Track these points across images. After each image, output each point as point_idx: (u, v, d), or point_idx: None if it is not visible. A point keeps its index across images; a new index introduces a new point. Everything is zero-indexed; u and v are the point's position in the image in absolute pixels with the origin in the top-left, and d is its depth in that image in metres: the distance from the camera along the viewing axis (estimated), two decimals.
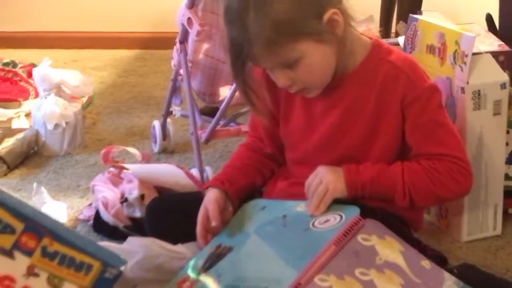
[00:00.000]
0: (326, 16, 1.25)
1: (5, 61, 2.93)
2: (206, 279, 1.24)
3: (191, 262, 1.30)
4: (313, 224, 1.24)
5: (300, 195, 1.33)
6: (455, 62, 1.59)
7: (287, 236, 1.26)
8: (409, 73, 1.32)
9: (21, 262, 0.76)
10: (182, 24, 1.99)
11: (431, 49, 1.67)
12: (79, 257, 0.77)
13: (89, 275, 0.77)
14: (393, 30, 2.91)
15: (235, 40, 1.25)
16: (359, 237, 1.20)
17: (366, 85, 1.33)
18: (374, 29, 2.56)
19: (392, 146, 1.36)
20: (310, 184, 1.31)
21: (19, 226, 0.77)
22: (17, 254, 0.76)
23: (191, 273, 1.27)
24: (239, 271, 1.21)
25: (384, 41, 1.41)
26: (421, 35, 1.70)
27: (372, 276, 1.14)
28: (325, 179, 1.29)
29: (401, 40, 1.88)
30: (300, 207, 1.31)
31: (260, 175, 1.47)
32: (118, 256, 0.79)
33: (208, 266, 1.26)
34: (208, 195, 1.40)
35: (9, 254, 0.76)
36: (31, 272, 0.76)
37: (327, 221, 1.24)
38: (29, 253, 0.76)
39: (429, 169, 1.31)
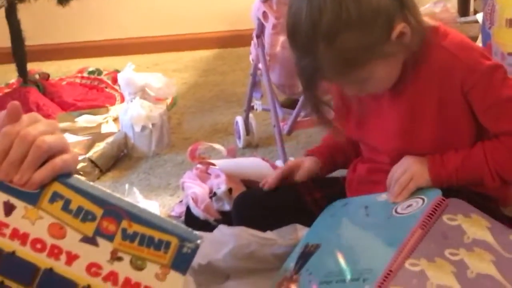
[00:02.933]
0: (394, 35, 1.22)
1: (90, 69, 3.04)
2: (299, 280, 1.24)
3: (284, 265, 1.31)
4: (395, 211, 1.24)
5: (380, 183, 1.33)
6: None
7: (371, 226, 1.26)
8: (464, 58, 1.27)
9: (104, 247, 0.78)
10: (258, 18, 2.02)
11: (510, 23, 1.63)
12: (157, 235, 0.78)
13: (168, 252, 0.77)
14: (472, 8, 2.85)
15: (306, 68, 1.26)
16: (445, 218, 1.18)
17: (425, 73, 1.30)
18: (451, 8, 2.52)
19: (467, 132, 1.33)
20: (394, 173, 1.30)
21: (98, 211, 0.78)
22: (100, 240, 0.78)
23: (285, 275, 1.28)
24: (330, 265, 1.21)
25: (441, 24, 1.35)
26: (499, 9, 1.67)
27: (462, 255, 1.13)
28: (410, 169, 1.28)
29: (479, 16, 1.85)
30: (381, 197, 1.30)
31: (344, 157, 1.51)
32: (193, 231, 0.80)
33: (299, 267, 1.27)
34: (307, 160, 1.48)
35: (92, 241, 0.79)
36: (114, 256, 0.78)
37: (409, 206, 1.23)
38: (110, 237, 0.78)
39: (511, 145, 1.28)
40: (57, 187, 0.79)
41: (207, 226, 1.73)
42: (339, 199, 1.40)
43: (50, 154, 0.76)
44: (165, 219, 0.82)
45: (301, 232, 1.36)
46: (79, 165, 2.14)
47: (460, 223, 1.18)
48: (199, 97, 2.81)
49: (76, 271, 0.78)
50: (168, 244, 0.77)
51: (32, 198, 0.79)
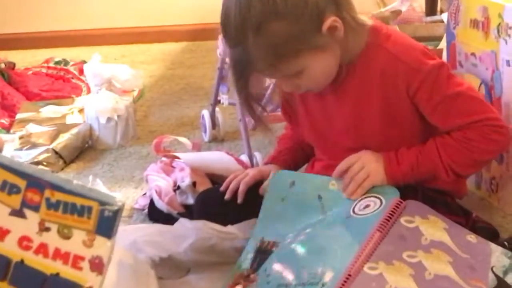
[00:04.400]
0: (325, 27, 1.23)
1: (56, 59, 3.01)
2: (257, 281, 1.24)
3: (238, 261, 1.31)
4: (353, 211, 1.24)
5: None
6: (499, 35, 1.58)
7: (329, 225, 1.26)
8: (407, 60, 1.28)
9: (32, 219, 0.79)
10: None
11: (474, 23, 1.66)
12: (78, 201, 0.78)
13: (91, 218, 0.78)
14: (439, 8, 2.88)
15: (238, 62, 1.27)
16: (402, 220, 1.20)
17: (368, 74, 1.32)
18: (418, 7, 2.55)
19: (413, 131, 1.35)
20: (351, 165, 1.30)
21: (22, 184, 0.79)
22: (27, 212, 0.79)
23: (240, 272, 1.28)
24: (288, 268, 1.21)
25: (384, 25, 1.36)
26: (464, 10, 1.69)
27: (420, 257, 1.14)
28: (368, 167, 1.29)
29: (444, 16, 1.88)
30: (332, 184, 1.31)
31: (304, 155, 1.52)
32: (112, 195, 0.81)
33: (256, 266, 1.27)
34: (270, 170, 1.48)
35: (20, 213, 0.79)
36: (42, 227, 0.79)
37: (367, 206, 1.24)
38: (36, 208, 0.79)
39: (462, 140, 1.29)
40: None
41: (170, 219, 1.73)
42: (282, 171, 1.40)
43: None
44: (85, 186, 0.82)
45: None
46: (43, 156, 2.12)
47: (418, 224, 1.20)
48: (166, 89, 2.80)
49: (8, 247, 0.79)
50: (90, 209, 0.78)
51: None
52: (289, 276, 1.18)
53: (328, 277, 1.13)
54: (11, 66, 2.90)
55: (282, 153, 1.54)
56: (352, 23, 1.27)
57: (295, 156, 1.54)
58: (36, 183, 0.78)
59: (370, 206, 1.24)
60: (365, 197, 1.27)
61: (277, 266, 1.23)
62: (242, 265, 1.29)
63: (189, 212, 1.71)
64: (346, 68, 1.32)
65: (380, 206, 1.22)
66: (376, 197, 1.25)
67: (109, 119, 2.25)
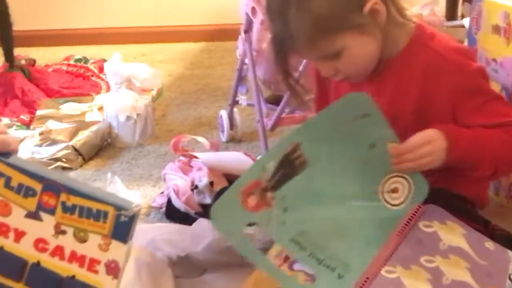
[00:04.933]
0: (367, 7, 1.23)
1: (77, 57, 3.03)
2: (273, 206, 1.16)
3: (264, 158, 1.22)
4: (383, 188, 1.21)
5: None
6: None
7: (358, 178, 1.20)
8: (452, 59, 1.29)
9: (48, 222, 0.79)
10: (246, 14, 2.02)
11: (496, 29, 1.65)
12: (94, 206, 0.79)
13: (107, 222, 0.78)
14: (459, 13, 2.87)
15: (278, 36, 1.27)
16: (421, 224, 1.19)
17: (408, 71, 1.31)
18: (439, 12, 2.54)
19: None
20: (420, 143, 1.23)
21: (38, 187, 0.80)
22: (43, 215, 0.79)
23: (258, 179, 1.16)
24: (307, 224, 1.16)
25: (428, 25, 1.37)
26: (486, 15, 1.69)
27: (438, 262, 1.14)
28: (434, 144, 1.23)
29: (466, 21, 1.87)
30: (387, 140, 1.21)
31: None
32: (129, 200, 0.81)
33: (275, 183, 1.16)
34: None
35: (36, 216, 0.80)
36: (58, 230, 0.79)
37: (395, 190, 1.21)
38: (52, 211, 0.79)
39: (502, 135, 1.28)
40: None
41: (187, 218, 1.74)
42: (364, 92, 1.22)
43: None
44: (101, 190, 0.82)
45: None
46: (62, 152, 2.14)
47: (436, 229, 1.19)
48: (185, 89, 2.81)
49: (24, 248, 0.79)
50: (106, 214, 0.78)
51: None
52: (306, 239, 1.16)
53: (345, 270, 1.13)
54: (32, 63, 2.92)
55: None
56: (396, 15, 1.29)
57: None
58: (52, 187, 0.78)
59: (398, 190, 1.22)
60: (397, 175, 1.22)
61: (297, 212, 1.16)
62: (265, 167, 1.16)
63: (206, 212, 1.71)
64: (386, 62, 1.32)
65: (406, 196, 1.20)
66: (407, 180, 1.22)
67: (128, 118, 2.27)
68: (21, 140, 2.23)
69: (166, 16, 3.52)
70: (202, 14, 3.50)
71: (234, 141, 2.27)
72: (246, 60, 2.09)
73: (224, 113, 2.27)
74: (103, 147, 2.27)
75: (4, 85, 2.65)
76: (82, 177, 2.05)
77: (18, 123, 2.44)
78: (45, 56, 3.21)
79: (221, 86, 2.78)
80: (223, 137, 2.28)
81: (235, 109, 2.27)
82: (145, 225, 1.57)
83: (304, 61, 1.69)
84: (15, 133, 2.35)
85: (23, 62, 2.85)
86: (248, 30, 2.06)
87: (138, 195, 1.88)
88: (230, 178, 1.79)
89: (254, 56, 2.06)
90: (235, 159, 1.90)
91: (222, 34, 3.37)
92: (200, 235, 1.34)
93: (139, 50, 3.35)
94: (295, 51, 1.28)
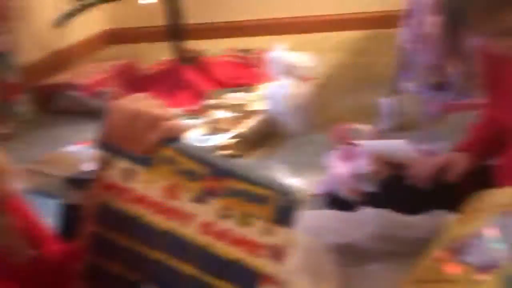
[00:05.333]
0: None
1: (242, 48, 3.10)
2: None
3: None
4: None
5: None
6: None
7: None
8: None
9: (214, 206, 0.81)
10: None
11: None
12: (258, 191, 0.79)
13: (270, 207, 0.78)
14: None
15: (453, 9, 1.20)
16: None
17: None
18: None
19: None
20: None
21: (204, 171, 0.81)
22: (209, 199, 0.81)
23: None
24: None
25: None
26: None
27: None
28: None
29: None
30: None
31: (498, 145, 1.44)
32: (293, 186, 0.80)
33: None
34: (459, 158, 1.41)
35: (203, 200, 0.81)
36: (223, 214, 0.81)
37: None
38: (217, 195, 0.81)
39: None
40: (166, 151, 0.82)
41: (350, 206, 1.73)
42: None
43: (157, 122, 0.81)
44: (264, 175, 0.82)
45: (445, 219, 1.33)
46: (228, 141, 2.20)
47: None
48: (347, 78, 2.80)
49: (192, 231, 0.82)
50: (269, 199, 0.78)
51: (147, 163, 0.83)
52: None
53: None
54: (200, 54, 3.03)
55: (476, 142, 1.48)
56: None
57: (490, 147, 1.46)
58: (217, 171, 0.80)
59: None
60: None
61: None
62: None
63: (369, 200, 1.70)
64: None
65: None
66: None
67: (291, 106, 2.29)
68: (190, 129, 2.32)
69: (329, 5, 3.52)
70: (365, 2, 3.47)
71: (397, 129, 2.23)
72: (410, 46, 2.05)
73: (387, 101, 2.24)
74: (267, 136, 2.31)
75: (174, 76, 2.77)
76: (246, 165, 2.10)
77: (187, 113, 2.54)
78: (212, 48, 3.32)
79: (384, 74, 2.74)
80: (386, 125, 2.25)
81: (398, 97, 2.23)
82: (308, 211, 1.58)
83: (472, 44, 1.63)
84: (184, 122, 2.45)
85: (191, 54, 2.97)
86: (411, 15, 2.01)
87: (301, 183, 1.90)
88: (394, 167, 1.76)
89: (417, 41, 2.01)
90: (399, 147, 1.87)
91: (385, 20, 3.32)
92: (364, 223, 1.33)
93: (302, 39, 3.37)
94: (470, 26, 1.20)
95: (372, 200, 1.63)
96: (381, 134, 2.08)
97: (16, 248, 0.73)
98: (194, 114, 2.54)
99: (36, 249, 0.77)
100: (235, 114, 2.37)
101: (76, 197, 1.23)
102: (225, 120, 2.33)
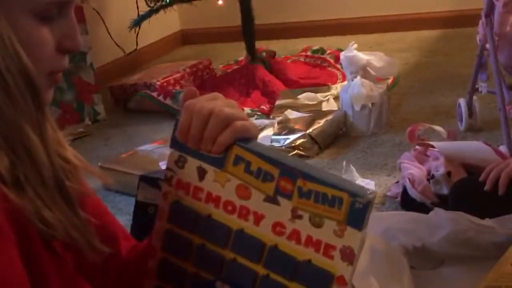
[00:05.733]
0: None
1: (314, 48, 3.10)
2: None
3: None
4: None
5: None
6: None
7: None
8: None
9: (285, 206, 0.80)
10: None
11: None
12: (329, 192, 0.78)
13: (342, 209, 0.77)
14: None
15: None
16: None
17: None
18: None
19: None
20: None
21: (275, 172, 0.80)
22: (280, 199, 0.80)
23: None
24: None
25: None
26: None
27: None
28: None
29: None
30: None
31: None
32: (364, 187, 0.79)
33: None
34: None
35: (274, 200, 0.81)
36: (295, 214, 0.80)
37: None
38: (289, 196, 0.80)
39: None
40: (238, 150, 0.82)
41: (423, 208, 1.71)
42: None
43: (229, 122, 0.81)
44: (335, 176, 0.81)
45: None
46: (299, 141, 2.20)
47: None
48: (421, 78, 2.75)
49: (263, 231, 0.81)
50: (341, 200, 0.77)
51: (219, 162, 0.83)
52: None
53: None
54: (272, 54, 3.04)
55: None
56: None
57: None
58: (289, 172, 0.80)
59: None
60: None
61: None
62: None
63: (443, 202, 1.67)
64: None
65: None
66: None
67: (363, 107, 2.27)
68: (261, 129, 2.33)
69: (401, 4, 3.48)
70: (438, 1, 3.41)
71: (473, 130, 2.19)
72: (487, 46, 2.00)
73: (462, 101, 2.20)
74: (339, 136, 2.30)
75: (246, 76, 2.79)
76: (318, 165, 2.09)
77: (259, 113, 2.55)
78: (284, 48, 3.33)
79: (459, 74, 2.69)
80: (462, 126, 2.20)
81: (474, 97, 2.18)
82: (380, 213, 1.57)
83: None
84: (256, 122, 2.46)
85: (264, 54, 2.98)
86: (489, 14, 1.96)
87: (373, 184, 1.88)
88: (469, 169, 1.72)
89: (496, 40, 1.96)
90: (475, 148, 1.83)
91: (460, 20, 3.26)
92: (437, 225, 1.31)
93: (375, 39, 3.34)
94: None
95: (447, 202, 1.60)
96: (457, 135, 2.03)
97: (92, 245, 0.74)
98: (266, 113, 2.55)
99: (111, 247, 0.78)
100: (307, 114, 2.36)
101: (150, 195, 1.25)
102: (297, 120, 2.33)
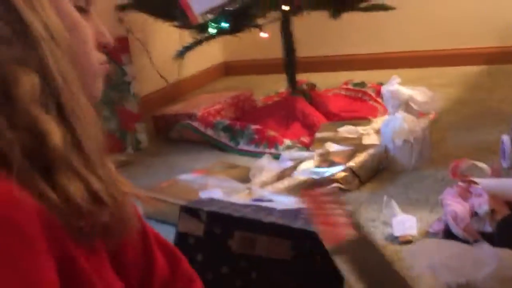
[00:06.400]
0: None
1: (355, 81, 3.11)
2: None
3: None
4: None
5: None
6: None
7: None
8: None
9: None
10: None
11: None
12: None
13: None
14: None
15: None
16: None
17: None
18: None
19: None
20: None
21: None
22: None
23: None
24: None
25: None
26: None
27: None
28: None
29: None
30: None
31: None
32: None
33: None
34: None
35: None
36: None
37: None
38: None
39: None
40: None
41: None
42: None
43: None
44: None
45: None
46: (340, 174, 2.19)
47: None
48: (463, 113, 2.74)
49: None
50: None
51: None
52: None
53: None
54: (313, 87, 3.06)
55: None
56: None
57: None
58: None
59: None
60: None
61: None
62: None
63: (487, 241, 1.65)
64: None
65: None
66: None
67: (405, 141, 2.26)
68: (301, 161, 2.33)
69: (445, 40, 3.47)
70: (482, 37, 3.40)
71: None
72: None
73: (506, 138, 2.17)
74: (379, 170, 2.29)
75: (287, 108, 2.80)
76: (358, 199, 2.08)
77: (299, 145, 2.56)
78: (325, 81, 3.34)
79: (502, 110, 2.67)
80: (505, 163, 2.18)
81: None
82: (424, 240, 1.54)
83: None
84: (295, 154, 2.46)
85: (304, 86, 3.00)
86: None
87: (414, 220, 1.86)
88: None
89: None
90: None
91: (503, 56, 3.24)
92: (482, 261, 1.29)
93: (417, 74, 3.34)
94: None
95: (490, 240, 1.58)
96: (500, 172, 2.01)
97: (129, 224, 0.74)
98: (306, 146, 2.55)
99: (172, 261, 0.80)
100: (348, 148, 2.36)
101: (190, 226, 1.25)
102: (337, 153, 2.33)
